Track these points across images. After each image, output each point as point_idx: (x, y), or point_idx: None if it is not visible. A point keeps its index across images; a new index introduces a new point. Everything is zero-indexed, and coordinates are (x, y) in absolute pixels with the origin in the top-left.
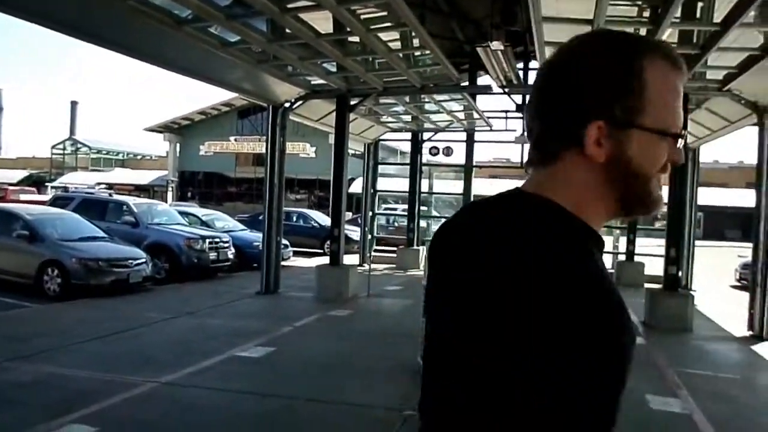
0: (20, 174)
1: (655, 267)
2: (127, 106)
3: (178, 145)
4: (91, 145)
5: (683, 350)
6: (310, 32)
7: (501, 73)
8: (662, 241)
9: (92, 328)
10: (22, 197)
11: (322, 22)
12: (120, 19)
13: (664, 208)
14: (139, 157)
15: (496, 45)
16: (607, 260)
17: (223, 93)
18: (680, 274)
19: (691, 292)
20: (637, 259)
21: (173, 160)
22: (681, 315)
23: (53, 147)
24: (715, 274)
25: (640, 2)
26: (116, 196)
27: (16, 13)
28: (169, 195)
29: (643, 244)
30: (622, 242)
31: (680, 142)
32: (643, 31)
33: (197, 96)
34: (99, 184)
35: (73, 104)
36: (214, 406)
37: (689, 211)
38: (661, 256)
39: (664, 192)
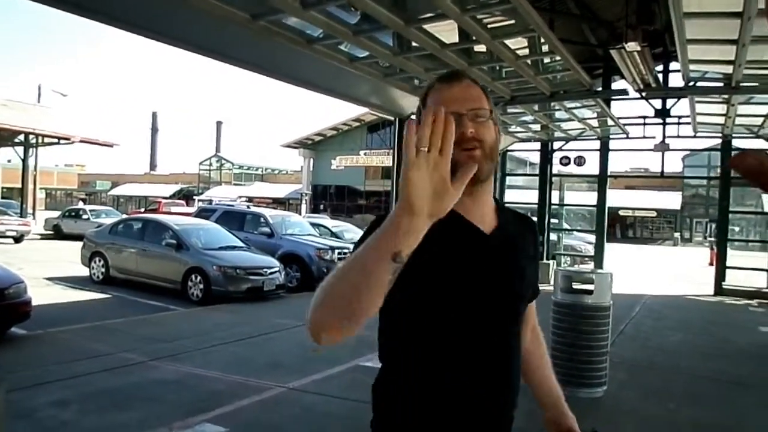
0: (172, 188)
1: None
2: (265, 124)
3: (311, 159)
4: (234, 162)
5: None
6: (435, 43)
7: (638, 76)
8: None
9: (228, 332)
10: (173, 209)
11: (448, 33)
12: (253, 40)
13: None
14: (276, 171)
15: (631, 46)
16: None
17: (354, 109)
18: None
19: None
20: None
21: (307, 174)
22: None
23: (200, 163)
24: None
25: None
26: (254, 208)
27: (159, 38)
28: (303, 207)
29: None
30: None
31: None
32: None
33: (330, 112)
34: (240, 197)
35: (218, 124)
36: (336, 414)
37: None
38: None
39: None
